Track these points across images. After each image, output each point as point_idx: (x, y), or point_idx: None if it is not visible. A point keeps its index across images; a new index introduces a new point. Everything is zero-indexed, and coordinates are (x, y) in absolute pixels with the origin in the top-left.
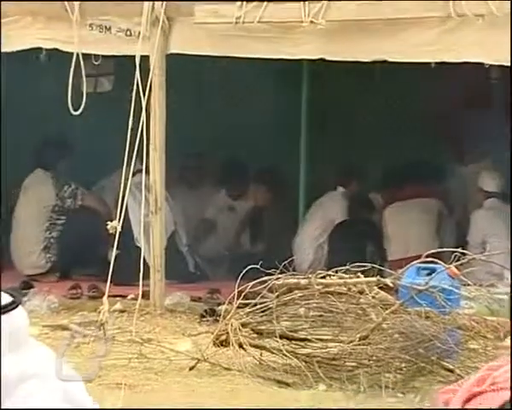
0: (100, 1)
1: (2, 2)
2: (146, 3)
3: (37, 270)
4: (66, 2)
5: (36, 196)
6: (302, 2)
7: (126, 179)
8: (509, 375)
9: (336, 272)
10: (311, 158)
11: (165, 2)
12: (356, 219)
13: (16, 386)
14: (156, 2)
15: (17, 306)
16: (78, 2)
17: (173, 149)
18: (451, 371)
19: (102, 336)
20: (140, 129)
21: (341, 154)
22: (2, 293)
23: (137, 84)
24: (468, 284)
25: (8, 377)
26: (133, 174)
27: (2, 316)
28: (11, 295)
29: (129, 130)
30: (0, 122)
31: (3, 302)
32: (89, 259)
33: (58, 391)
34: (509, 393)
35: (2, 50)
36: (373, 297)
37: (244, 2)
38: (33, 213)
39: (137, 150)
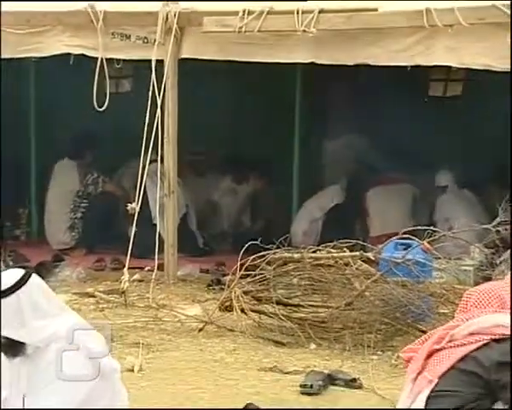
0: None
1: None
2: (160, 15)
3: (63, 245)
4: (91, 14)
5: (63, 182)
6: (295, 14)
7: (143, 167)
8: (465, 332)
9: (325, 247)
10: (303, 150)
11: (177, 14)
12: (349, 203)
13: (49, 344)
14: (169, 14)
15: (30, 275)
16: (102, 14)
17: (185, 141)
18: (424, 332)
19: (123, 302)
20: (155, 124)
21: (330, 145)
22: (13, 270)
23: (153, 85)
24: (439, 258)
25: (43, 337)
26: (150, 163)
27: (23, 288)
28: (23, 267)
29: (146, 125)
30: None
31: (17, 277)
32: (109, 236)
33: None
34: (464, 349)
35: (37, 55)
36: (357, 269)
37: (245, 14)
38: (61, 196)
39: (153, 142)
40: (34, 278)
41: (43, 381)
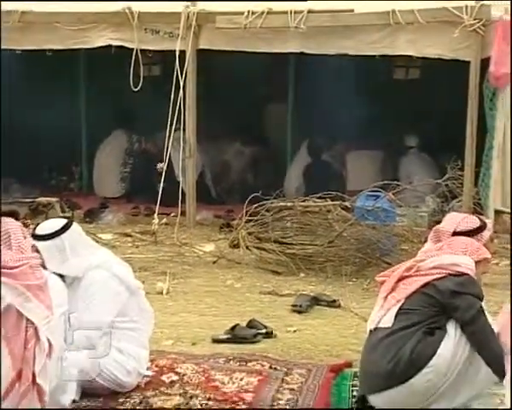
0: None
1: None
2: (183, 14)
3: (116, 194)
4: (128, 14)
5: (115, 143)
6: (289, 14)
7: (170, 134)
8: (429, 266)
9: (312, 197)
10: (294, 121)
11: (196, 14)
12: (317, 162)
13: (85, 274)
14: (190, 14)
15: (71, 223)
16: (137, 14)
17: (203, 114)
18: (389, 264)
19: (154, 241)
20: (179, 100)
21: (315, 119)
22: (58, 219)
23: (177, 70)
24: (401, 206)
25: (80, 270)
26: (174, 131)
27: (66, 233)
28: (65, 217)
29: (171, 101)
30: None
31: (61, 224)
32: (144, 188)
33: (115, 277)
34: (427, 278)
35: (86, 47)
36: (337, 215)
37: (250, 14)
38: (114, 155)
39: (177, 115)
40: (74, 225)
41: (82, 301)
